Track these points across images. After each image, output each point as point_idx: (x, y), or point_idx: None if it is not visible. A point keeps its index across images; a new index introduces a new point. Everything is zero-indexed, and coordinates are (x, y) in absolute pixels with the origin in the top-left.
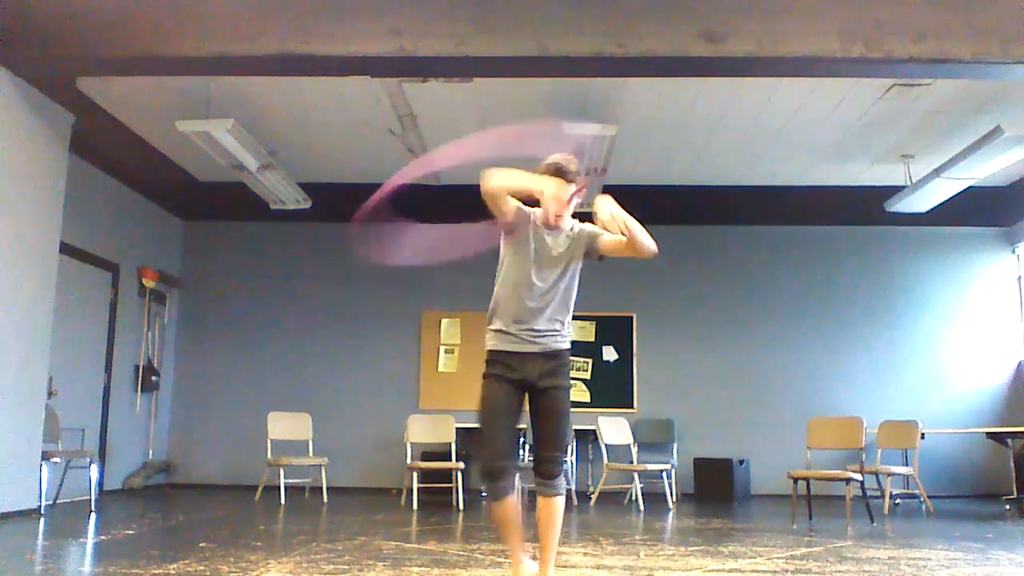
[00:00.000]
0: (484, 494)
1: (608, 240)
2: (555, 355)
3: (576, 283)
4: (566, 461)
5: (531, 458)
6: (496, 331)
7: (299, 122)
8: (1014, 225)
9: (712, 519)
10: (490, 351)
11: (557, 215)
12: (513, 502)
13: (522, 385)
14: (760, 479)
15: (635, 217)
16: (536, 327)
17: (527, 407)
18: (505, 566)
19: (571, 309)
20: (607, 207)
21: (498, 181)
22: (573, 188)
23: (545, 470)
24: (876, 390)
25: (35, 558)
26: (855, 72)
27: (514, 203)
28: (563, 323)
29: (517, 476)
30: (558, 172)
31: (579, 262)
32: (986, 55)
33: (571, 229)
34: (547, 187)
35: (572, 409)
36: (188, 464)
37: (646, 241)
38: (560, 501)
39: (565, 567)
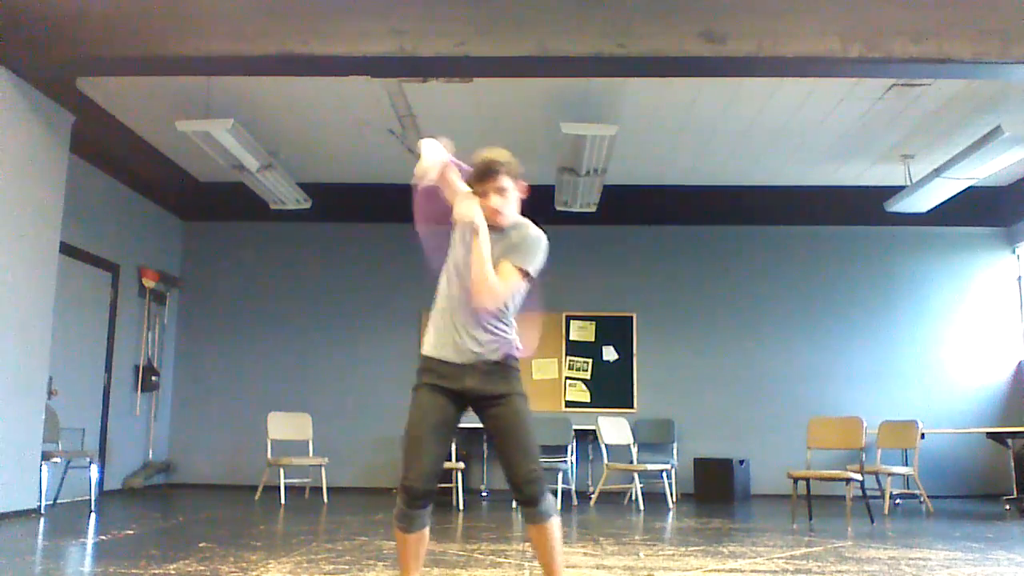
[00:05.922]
0: (401, 517)
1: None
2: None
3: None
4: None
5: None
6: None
7: (299, 122)
8: (1014, 225)
9: (712, 519)
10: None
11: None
12: (425, 535)
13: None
14: (760, 479)
15: (635, 216)
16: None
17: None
18: (505, 566)
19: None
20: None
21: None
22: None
23: (529, 493)
24: (876, 390)
25: (35, 558)
26: (855, 72)
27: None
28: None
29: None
30: (479, 176)
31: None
32: (986, 55)
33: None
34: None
35: (573, 409)
36: (188, 464)
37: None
38: (555, 523)
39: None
